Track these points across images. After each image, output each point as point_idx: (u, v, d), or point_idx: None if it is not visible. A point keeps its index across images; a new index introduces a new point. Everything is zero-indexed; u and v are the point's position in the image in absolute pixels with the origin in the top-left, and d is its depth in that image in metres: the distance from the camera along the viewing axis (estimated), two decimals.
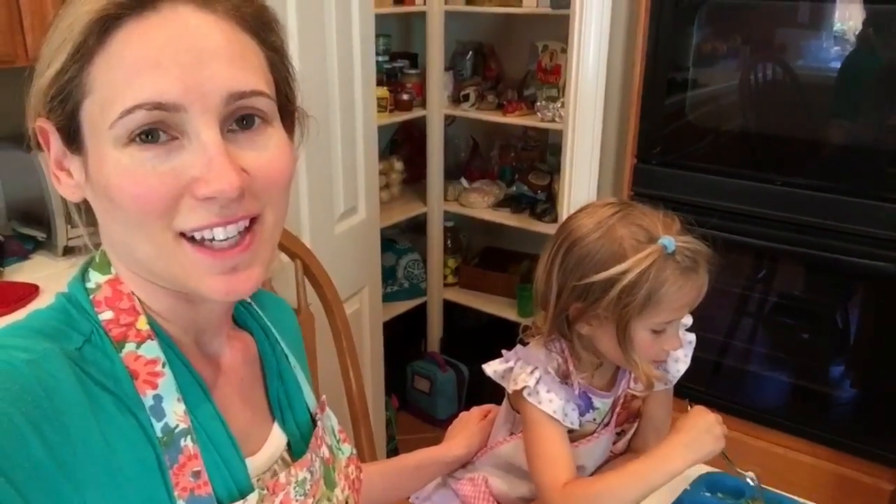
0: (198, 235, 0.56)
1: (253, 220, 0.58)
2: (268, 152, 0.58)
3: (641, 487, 0.86)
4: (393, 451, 2.59)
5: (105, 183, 0.55)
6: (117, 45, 0.53)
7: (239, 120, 0.57)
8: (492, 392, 1.09)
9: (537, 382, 0.94)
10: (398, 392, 2.83)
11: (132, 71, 0.53)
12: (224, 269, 0.57)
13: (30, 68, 0.58)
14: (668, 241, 0.86)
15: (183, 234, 0.56)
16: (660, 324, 0.90)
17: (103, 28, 0.53)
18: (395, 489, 1.05)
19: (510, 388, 0.97)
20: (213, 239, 0.56)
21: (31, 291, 1.47)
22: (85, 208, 0.62)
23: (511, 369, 0.98)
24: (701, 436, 0.88)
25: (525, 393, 0.94)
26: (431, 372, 2.78)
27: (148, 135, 0.53)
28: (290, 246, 1.27)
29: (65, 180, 0.60)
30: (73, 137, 0.57)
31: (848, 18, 1.74)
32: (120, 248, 0.61)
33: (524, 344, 1.00)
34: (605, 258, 0.88)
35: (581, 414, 0.97)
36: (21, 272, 1.60)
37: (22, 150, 1.66)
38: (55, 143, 0.58)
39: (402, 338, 2.78)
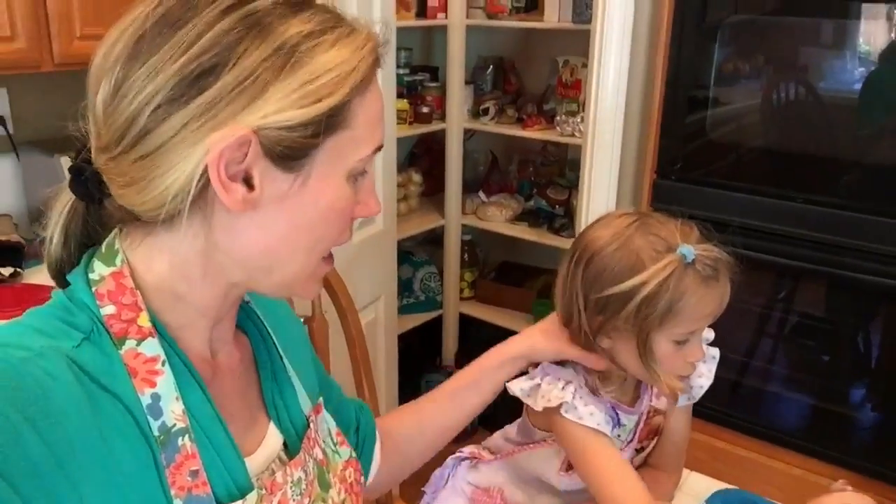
0: None
1: None
2: None
3: None
4: None
5: (321, 205, 0.61)
6: (373, 91, 0.62)
7: None
8: (506, 408, 1.06)
9: (574, 397, 0.91)
10: None
11: (377, 118, 0.63)
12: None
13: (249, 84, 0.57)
14: (687, 250, 0.85)
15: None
16: (682, 334, 0.88)
17: (374, 66, 0.61)
18: (438, 420, 0.99)
19: (540, 405, 0.93)
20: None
21: (48, 293, 1.48)
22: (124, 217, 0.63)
23: (538, 386, 0.94)
24: None
25: (563, 410, 0.90)
26: None
27: None
28: None
29: (236, 190, 0.58)
30: (295, 159, 0.59)
31: (871, 36, 1.72)
32: (251, 261, 0.62)
33: None
34: (623, 270, 0.86)
35: (611, 430, 0.95)
36: (40, 275, 1.61)
37: (46, 154, 1.70)
38: (248, 155, 0.57)
39: (417, 350, 2.78)
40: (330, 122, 0.58)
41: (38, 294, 1.48)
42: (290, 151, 0.58)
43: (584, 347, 0.93)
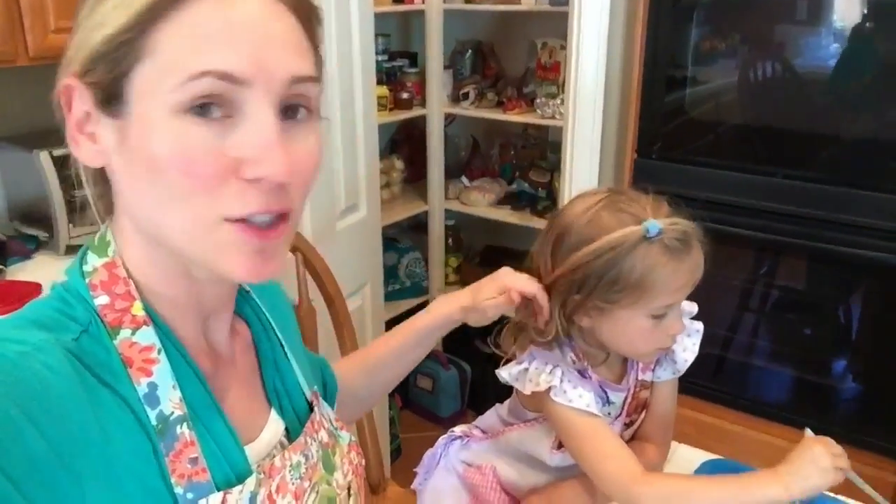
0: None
1: (284, 214, 0.58)
2: (308, 146, 0.59)
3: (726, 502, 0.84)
4: (396, 451, 2.59)
5: (152, 151, 0.54)
6: (190, 12, 0.53)
7: (284, 110, 0.57)
8: (495, 391, 1.07)
9: (561, 381, 0.92)
10: (401, 390, 2.83)
11: (205, 39, 0.53)
12: (255, 249, 0.57)
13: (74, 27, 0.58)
14: (652, 224, 0.85)
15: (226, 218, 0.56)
16: (658, 308, 0.89)
17: None
18: (386, 373, 1.04)
19: (528, 389, 0.94)
20: (252, 218, 0.56)
21: (33, 290, 1.48)
22: (81, 204, 0.63)
23: (526, 370, 0.96)
24: (805, 467, 0.82)
25: (552, 394, 0.91)
26: (434, 370, 2.78)
27: (202, 108, 0.53)
28: None
29: (85, 144, 0.58)
30: (112, 100, 0.55)
31: (846, 12, 1.74)
32: (145, 223, 0.59)
33: (497, 345, 0.99)
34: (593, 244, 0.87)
35: (601, 408, 0.96)
36: (24, 272, 1.60)
37: (24, 149, 1.68)
38: (81, 104, 0.57)
39: None
40: (118, 53, 0.54)
41: (22, 290, 1.47)
42: (104, 94, 0.56)
43: (558, 328, 0.94)
